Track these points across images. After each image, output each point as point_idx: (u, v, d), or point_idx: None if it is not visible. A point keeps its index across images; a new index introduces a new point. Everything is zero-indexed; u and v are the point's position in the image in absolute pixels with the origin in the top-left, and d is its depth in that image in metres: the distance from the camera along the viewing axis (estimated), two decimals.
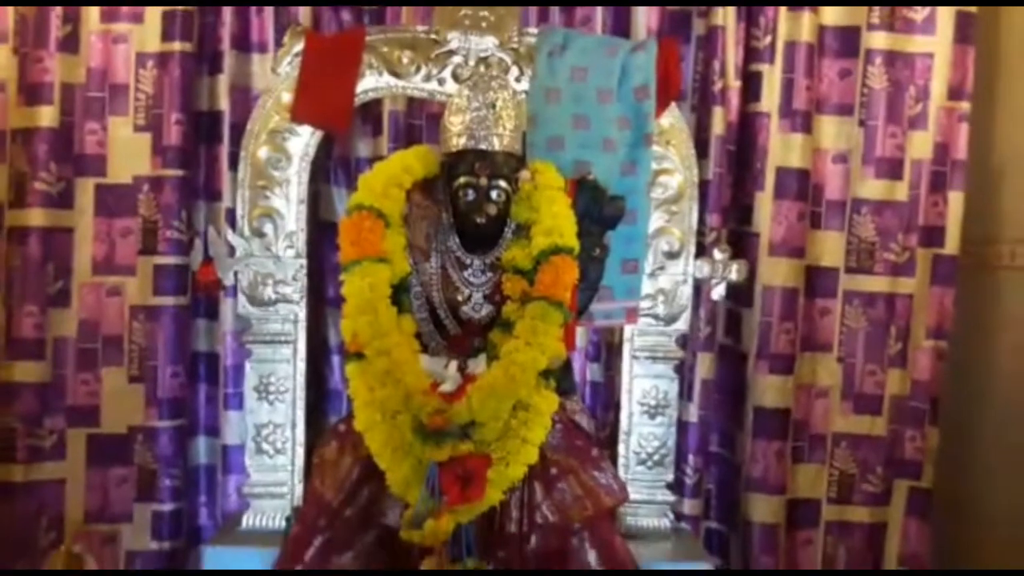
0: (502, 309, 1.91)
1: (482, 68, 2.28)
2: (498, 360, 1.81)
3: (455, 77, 2.31)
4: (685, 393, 2.72)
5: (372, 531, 1.88)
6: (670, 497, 2.45)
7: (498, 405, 1.76)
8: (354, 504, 1.86)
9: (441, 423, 1.74)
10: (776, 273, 2.78)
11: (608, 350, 2.86)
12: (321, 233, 2.69)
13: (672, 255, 2.39)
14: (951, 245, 2.80)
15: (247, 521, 2.37)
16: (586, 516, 1.88)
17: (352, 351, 1.85)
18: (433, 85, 2.33)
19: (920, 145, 2.80)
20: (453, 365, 1.85)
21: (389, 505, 1.83)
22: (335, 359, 2.82)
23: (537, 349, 1.80)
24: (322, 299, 2.75)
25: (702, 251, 2.50)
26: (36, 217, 2.61)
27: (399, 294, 1.89)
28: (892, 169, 2.81)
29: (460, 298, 1.94)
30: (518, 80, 2.30)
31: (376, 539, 1.89)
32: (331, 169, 2.76)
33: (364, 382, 1.82)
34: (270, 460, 2.38)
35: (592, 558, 1.90)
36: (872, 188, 2.82)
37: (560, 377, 1.94)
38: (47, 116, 2.58)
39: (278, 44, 2.56)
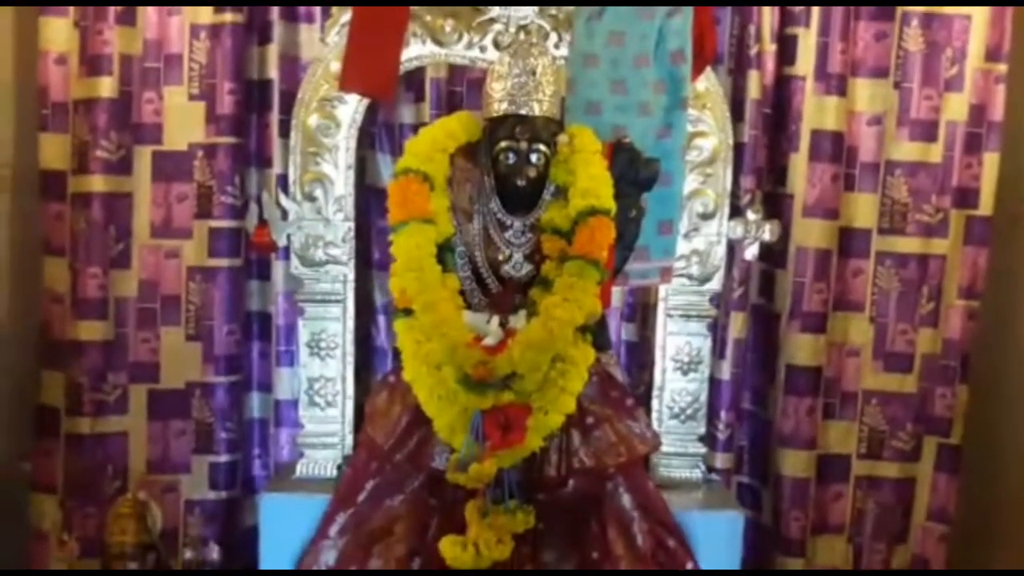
0: (541, 268, 2.01)
1: (522, 35, 2.35)
2: (538, 316, 1.90)
3: (496, 44, 2.38)
4: (718, 351, 2.80)
5: (420, 475, 2.00)
6: (701, 449, 2.55)
7: (538, 357, 1.85)
8: (403, 449, 1.98)
9: (484, 374, 1.84)
10: (810, 234, 2.84)
11: (643, 310, 2.95)
12: (366, 198, 2.80)
13: (706, 216, 2.46)
14: (985, 206, 2.84)
15: (301, 470, 2.51)
16: (621, 462, 1.99)
17: (400, 307, 1.95)
18: (475, 52, 2.41)
19: (956, 107, 2.83)
20: (495, 320, 1.95)
21: (436, 450, 1.94)
22: (380, 319, 2.94)
23: (575, 305, 1.89)
24: (368, 262, 2.86)
25: (737, 212, 2.56)
26: (98, 183, 2.74)
27: (444, 253, 1.99)
28: (926, 131, 2.84)
29: (501, 257, 2.03)
30: (557, 46, 2.36)
31: (423, 483, 2.01)
32: (376, 135, 2.86)
33: (411, 336, 1.93)
34: (322, 412, 2.51)
35: (626, 501, 2.01)
36: (906, 150, 2.86)
37: (596, 332, 2.03)
38: (107, 87, 2.70)
39: (325, 15, 2.66)
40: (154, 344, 2.84)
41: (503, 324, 1.95)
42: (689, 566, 2.06)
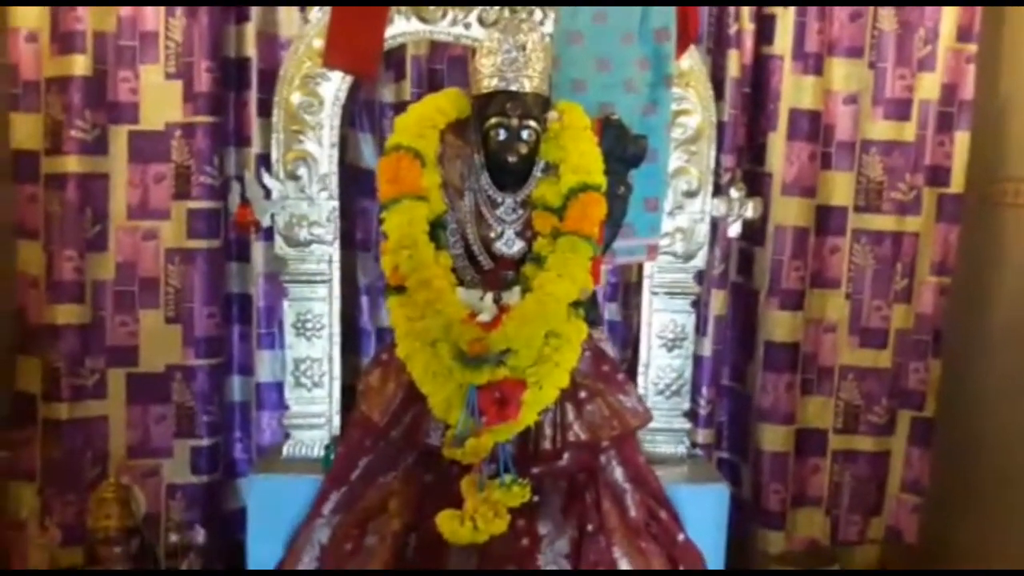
0: (533, 244, 2.02)
1: (507, 12, 2.34)
2: (531, 292, 1.92)
3: (481, 21, 2.37)
4: (700, 328, 2.84)
5: (414, 452, 2.01)
6: (686, 425, 2.58)
7: (532, 333, 1.87)
8: (399, 425, 1.99)
9: (480, 350, 1.85)
10: (788, 212, 2.88)
11: (626, 290, 2.98)
12: (347, 178, 2.77)
13: (690, 194, 2.49)
14: (956, 184, 2.90)
15: (288, 451, 2.49)
16: (614, 435, 2.02)
17: (393, 284, 1.95)
18: (459, 29, 2.39)
19: (928, 86, 2.88)
20: (489, 297, 1.96)
21: (431, 427, 1.96)
22: (364, 300, 2.93)
23: (568, 281, 1.91)
24: (351, 243, 2.85)
25: (718, 191, 2.59)
26: (72, 164, 2.68)
27: (436, 231, 1.99)
28: (900, 110, 2.90)
29: (493, 235, 2.04)
30: (542, 23, 2.36)
31: (417, 459, 2.02)
32: (356, 114, 2.83)
33: (404, 313, 1.93)
34: (308, 393, 2.49)
35: (619, 475, 2.05)
36: (881, 129, 2.91)
37: (588, 308, 2.06)
38: (80, 65, 2.64)
39: None
40: (132, 327, 2.80)
41: (497, 301, 1.96)
42: (680, 538, 2.10)
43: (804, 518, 3.04)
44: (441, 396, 1.89)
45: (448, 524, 1.83)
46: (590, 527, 1.96)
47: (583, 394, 2.00)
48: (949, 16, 2.84)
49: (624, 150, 2.13)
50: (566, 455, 1.99)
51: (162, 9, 2.69)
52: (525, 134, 1.98)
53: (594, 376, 2.03)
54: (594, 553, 1.94)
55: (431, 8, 2.38)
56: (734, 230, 2.54)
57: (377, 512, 2.00)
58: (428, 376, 1.90)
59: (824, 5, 2.79)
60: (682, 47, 2.39)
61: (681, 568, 2.05)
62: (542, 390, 1.89)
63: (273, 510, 2.31)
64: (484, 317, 1.91)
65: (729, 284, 2.96)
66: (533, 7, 2.36)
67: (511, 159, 1.99)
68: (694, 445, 2.74)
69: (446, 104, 2.07)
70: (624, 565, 1.95)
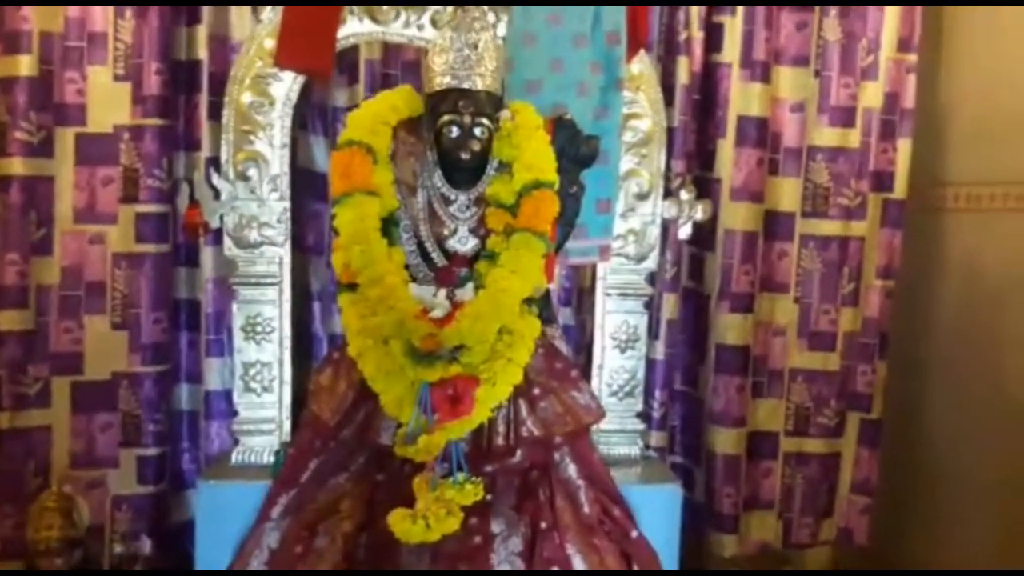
0: (487, 242, 2.01)
1: (460, 13, 2.35)
2: (484, 288, 1.91)
3: (433, 23, 2.38)
4: (653, 331, 2.86)
5: (366, 452, 1.99)
6: (640, 426, 2.59)
7: (485, 329, 1.86)
8: (350, 425, 1.97)
9: (433, 346, 1.85)
10: (737, 217, 2.93)
11: (579, 295, 2.99)
12: (299, 181, 2.75)
13: (642, 196, 2.51)
14: (900, 189, 2.98)
15: (236, 457, 2.45)
16: (567, 432, 2.02)
17: (344, 282, 1.93)
18: (412, 31, 2.40)
19: (871, 95, 2.96)
20: (442, 293, 1.96)
21: (383, 425, 1.93)
22: (316, 305, 2.91)
23: (521, 277, 1.91)
24: (302, 247, 2.82)
25: (669, 194, 2.62)
26: (17, 166, 2.62)
27: (388, 227, 1.98)
28: (845, 117, 2.97)
29: (446, 232, 2.03)
30: (495, 26, 2.38)
31: (369, 459, 2.00)
32: (309, 117, 2.82)
33: (356, 311, 1.91)
34: (258, 398, 2.46)
35: (572, 471, 2.04)
36: (827, 136, 2.98)
37: (541, 306, 2.06)
38: (26, 65, 2.58)
39: None
40: (78, 334, 2.73)
41: (450, 297, 1.95)
42: (634, 535, 2.10)
43: (757, 521, 3.07)
44: (393, 394, 1.87)
45: (400, 523, 1.81)
46: (543, 524, 1.95)
47: (536, 391, 2.00)
48: (890, 27, 2.93)
49: (577, 150, 2.14)
50: (519, 452, 1.98)
51: (111, 9, 2.65)
52: (478, 131, 1.98)
53: (548, 373, 2.03)
54: (548, 550, 1.93)
55: (384, 9, 2.38)
56: (684, 231, 2.57)
57: (328, 513, 1.97)
58: (380, 374, 1.88)
59: (767, 6, 2.84)
60: (632, 51, 2.43)
61: (634, 564, 2.04)
62: (495, 387, 1.88)
63: (222, 517, 2.26)
64: (437, 313, 1.90)
65: (681, 289, 2.99)
66: (485, 7, 2.38)
67: (464, 156, 1.99)
68: (647, 447, 2.76)
69: (399, 101, 2.07)
70: (578, 562, 1.95)
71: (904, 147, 2.96)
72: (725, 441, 2.98)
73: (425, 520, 1.80)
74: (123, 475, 2.78)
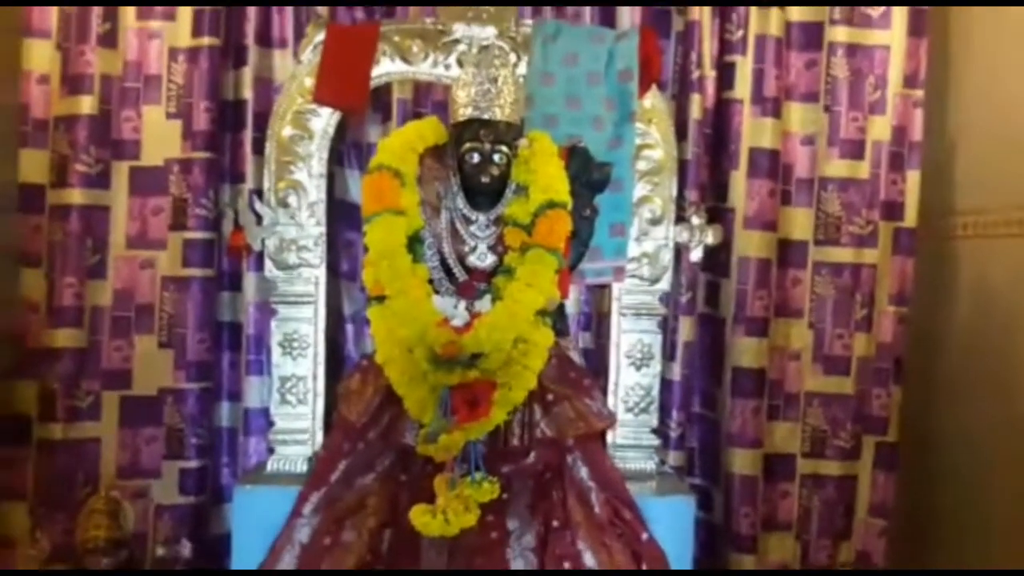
0: (504, 258, 2.17)
1: (482, 52, 2.55)
2: (501, 300, 2.06)
3: (459, 63, 2.57)
4: (669, 354, 2.98)
5: (391, 452, 2.13)
6: (655, 441, 2.69)
7: (502, 337, 2.00)
8: (377, 426, 2.11)
9: (453, 352, 1.98)
10: (750, 245, 3.05)
11: (599, 319, 3.12)
12: (336, 211, 2.95)
13: (655, 221, 2.66)
14: (910, 218, 3.08)
15: (272, 465, 2.60)
16: (579, 435, 2.14)
17: (373, 295, 2.10)
18: (440, 70, 2.60)
19: (880, 128, 3.09)
20: (462, 304, 2.10)
21: (407, 427, 2.08)
22: (349, 327, 3.08)
23: (536, 290, 2.06)
24: (337, 273, 3.00)
25: (681, 220, 2.75)
26: (76, 196, 2.86)
27: (414, 245, 2.14)
28: (855, 150, 3.10)
29: (467, 249, 2.19)
30: (516, 65, 2.56)
31: (394, 460, 2.14)
32: (344, 153, 3.02)
33: (384, 322, 2.06)
34: (293, 410, 2.61)
35: (584, 473, 2.16)
36: (837, 167, 3.10)
37: (556, 319, 2.20)
38: (87, 104, 2.84)
39: (297, 39, 2.87)
40: (127, 352, 2.94)
41: (469, 308, 2.10)
42: (644, 537, 2.19)
43: (775, 542, 3.12)
44: (416, 397, 2.01)
45: (420, 518, 1.94)
46: (556, 522, 2.06)
47: (550, 397, 2.13)
48: (896, 64, 3.07)
49: (590, 175, 2.30)
50: (533, 453, 2.10)
51: (165, 53, 2.90)
52: (497, 157, 2.15)
53: (561, 381, 2.16)
54: (559, 547, 2.04)
55: (414, 50, 2.58)
56: (696, 255, 2.70)
57: (355, 510, 2.11)
58: (404, 379, 2.03)
59: (742, 5, 2.99)
60: (644, 87, 2.59)
61: (644, 564, 2.14)
62: (511, 391, 2.01)
63: (257, 520, 2.39)
64: (457, 322, 2.05)
65: (697, 315, 3.11)
66: (508, 52, 2.57)
67: (484, 180, 2.15)
68: (663, 463, 2.85)
69: (426, 130, 2.25)
70: (588, 558, 2.05)
71: (913, 178, 3.08)
72: (742, 462, 3.06)
73: (444, 515, 1.92)
74: (166, 486, 2.95)
